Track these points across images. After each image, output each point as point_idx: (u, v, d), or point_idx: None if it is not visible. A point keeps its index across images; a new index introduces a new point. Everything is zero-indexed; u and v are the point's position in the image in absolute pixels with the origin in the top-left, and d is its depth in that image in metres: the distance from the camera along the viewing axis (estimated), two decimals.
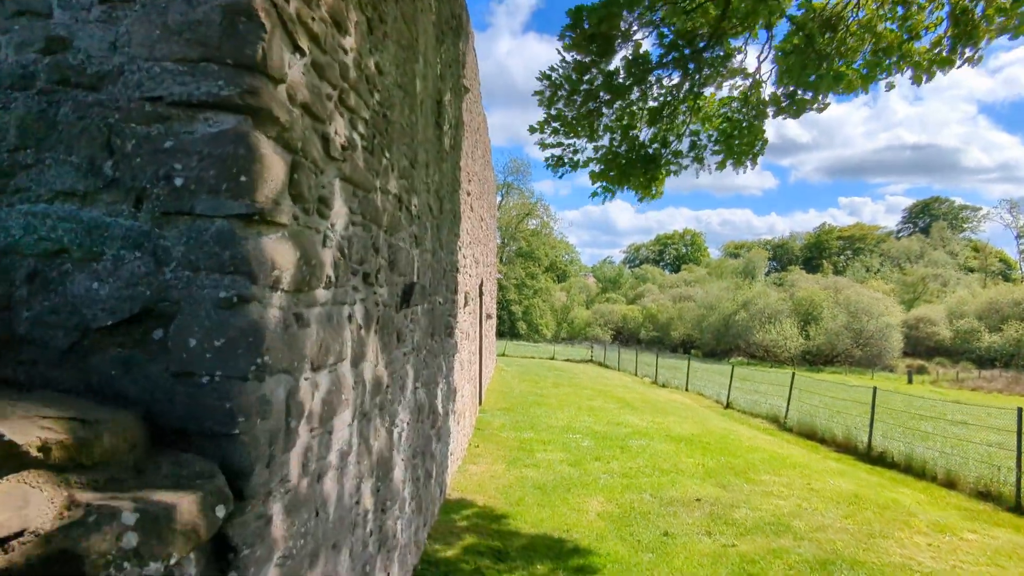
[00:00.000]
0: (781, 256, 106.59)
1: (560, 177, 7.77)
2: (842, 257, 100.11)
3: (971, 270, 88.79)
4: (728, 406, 17.72)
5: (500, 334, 63.73)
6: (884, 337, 63.32)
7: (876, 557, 5.94)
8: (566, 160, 7.41)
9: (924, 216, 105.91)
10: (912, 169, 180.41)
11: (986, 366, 60.52)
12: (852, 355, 63.08)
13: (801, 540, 6.33)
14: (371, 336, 3.25)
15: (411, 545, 4.74)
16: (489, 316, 17.17)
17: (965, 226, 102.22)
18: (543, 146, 7.33)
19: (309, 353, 2.29)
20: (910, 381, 48.89)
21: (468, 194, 9.74)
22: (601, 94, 7.04)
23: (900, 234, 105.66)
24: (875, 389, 12.64)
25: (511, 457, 9.43)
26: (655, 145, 7.46)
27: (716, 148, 7.15)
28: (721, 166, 7.27)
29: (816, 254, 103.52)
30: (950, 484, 9.73)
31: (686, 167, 7.55)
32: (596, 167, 7.50)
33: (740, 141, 6.84)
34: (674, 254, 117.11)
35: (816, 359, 62.86)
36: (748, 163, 7.16)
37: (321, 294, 2.45)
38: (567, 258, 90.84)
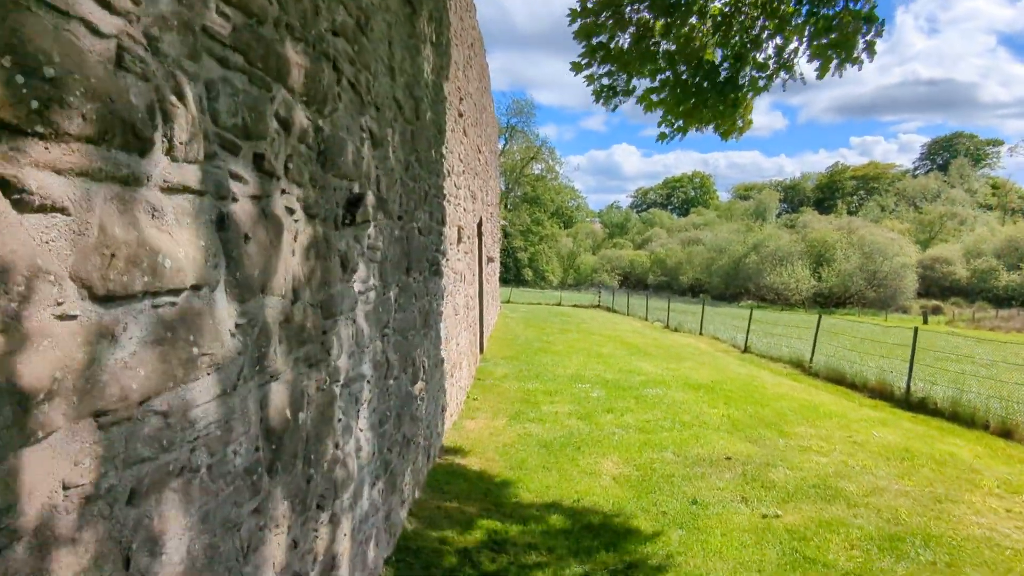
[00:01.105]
0: (792, 198, 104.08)
1: (613, 110, 6.18)
2: (855, 197, 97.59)
3: (990, 208, 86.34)
4: (746, 350, 16.70)
5: (505, 281, 62.79)
6: (899, 278, 61.97)
7: (951, 529, 4.94)
8: (619, 89, 5.76)
9: (943, 153, 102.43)
10: (927, 106, 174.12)
11: (1003, 306, 59.27)
12: (865, 296, 61.91)
13: (856, 507, 5.33)
14: (280, 255, 2.11)
15: (382, 533, 3.74)
16: (491, 259, 16.04)
17: (985, 162, 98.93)
18: (589, 80, 5.70)
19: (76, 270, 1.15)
20: (925, 322, 47.80)
21: (460, 115, 8.43)
22: (650, 14, 5.40)
23: (916, 172, 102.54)
24: (916, 330, 11.52)
25: (514, 411, 8.45)
26: (728, 63, 5.73)
27: (813, 46, 5.40)
28: (823, 71, 5.50)
29: (829, 195, 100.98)
30: (1005, 433, 8.71)
31: (774, 80, 5.85)
32: (659, 97, 5.81)
33: (842, 30, 5.10)
34: (682, 197, 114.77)
35: (828, 301, 61.69)
36: (864, 56, 5.29)
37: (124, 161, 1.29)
38: (573, 204, 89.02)
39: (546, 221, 72.58)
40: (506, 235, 68.91)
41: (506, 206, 71.37)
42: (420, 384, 5.15)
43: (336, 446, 2.74)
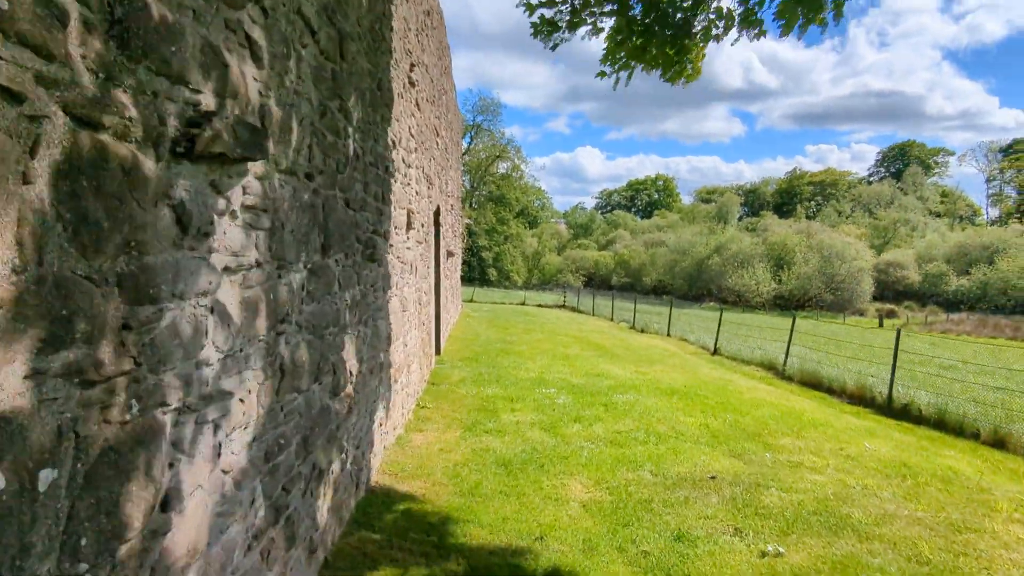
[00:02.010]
0: (752, 202, 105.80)
1: (553, 48, 5.39)
2: (813, 203, 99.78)
3: (939, 215, 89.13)
4: (716, 352, 16.05)
5: (469, 280, 61.76)
6: (856, 281, 63.24)
7: (983, 569, 4.14)
8: (560, 22, 4.99)
9: (896, 161, 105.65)
10: (877, 116, 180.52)
11: (953, 309, 61.01)
12: (823, 299, 62.96)
13: (869, 541, 4.50)
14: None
15: None
16: (451, 254, 15.00)
17: (935, 171, 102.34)
18: (529, 8, 4.89)
19: None
20: (881, 325, 48.60)
21: (412, 84, 7.40)
22: None
23: (871, 179, 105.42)
24: (899, 331, 10.93)
25: (469, 420, 7.45)
26: (685, 6, 5.04)
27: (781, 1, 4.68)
28: (787, 28, 4.84)
29: (787, 199, 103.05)
30: (998, 443, 8.11)
31: (730, 28, 5.15)
32: (606, 23, 5.16)
33: None
34: (646, 200, 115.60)
35: (788, 303, 62.52)
36: (830, 18, 4.73)
37: None
38: (538, 203, 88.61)
39: (511, 221, 71.90)
40: (471, 234, 67.76)
41: (471, 205, 70.29)
42: (347, 394, 4.11)
43: (150, 511, 1.69)
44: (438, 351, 12.24)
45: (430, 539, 4.16)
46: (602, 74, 5.34)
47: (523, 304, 32.90)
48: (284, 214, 2.80)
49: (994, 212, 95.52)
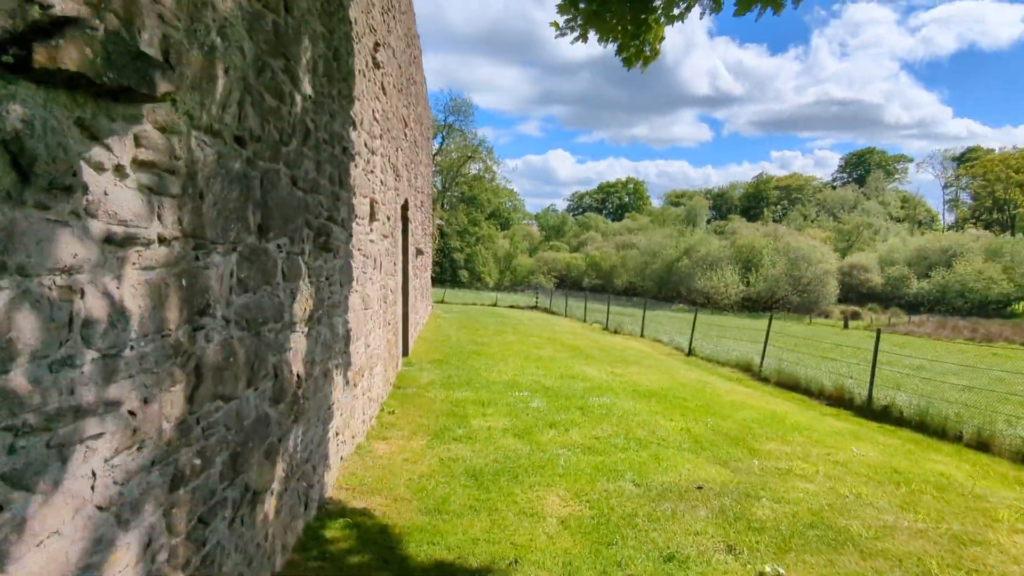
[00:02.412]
0: (721, 205, 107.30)
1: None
2: (779, 207, 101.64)
3: (899, 220, 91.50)
4: (691, 353, 15.80)
5: (441, 281, 60.99)
6: (821, 283, 64.39)
7: None
8: None
9: (858, 167, 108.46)
10: (839, 124, 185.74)
11: (914, 311, 62.62)
12: (790, 301, 63.94)
13: (873, 558, 4.12)
14: None
15: None
16: (420, 252, 14.43)
17: (896, 177, 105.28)
18: None
19: None
20: (846, 326, 49.44)
21: (377, 66, 6.87)
22: None
23: (835, 184, 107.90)
24: (879, 332, 10.75)
25: (437, 427, 6.92)
26: None
27: None
28: (744, 7, 4.60)
29: (754, 203, 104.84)
30: (982, 446, 7.91)
31: (692, 6, 4.87)
32: None
33: None
34: (617, 202, 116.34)
35: (756, 305, 63.35)
36: (788, 3, 4.53)
37: None
38: (510, 205, 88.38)
39: (483, 222, 71.49)
40: (442, 235, 67.06)
41: (443, 206, 69.59)
42: (294, 400, 3.57)
43: None
44: (406, 353, 11.68)
45: (389, 564, 3.64)
46: (555, 25, 4.91)
47: (495, 305, 32.42)
48: (204, 182, 2.27)
49: (950, 217, 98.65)
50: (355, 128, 5.47)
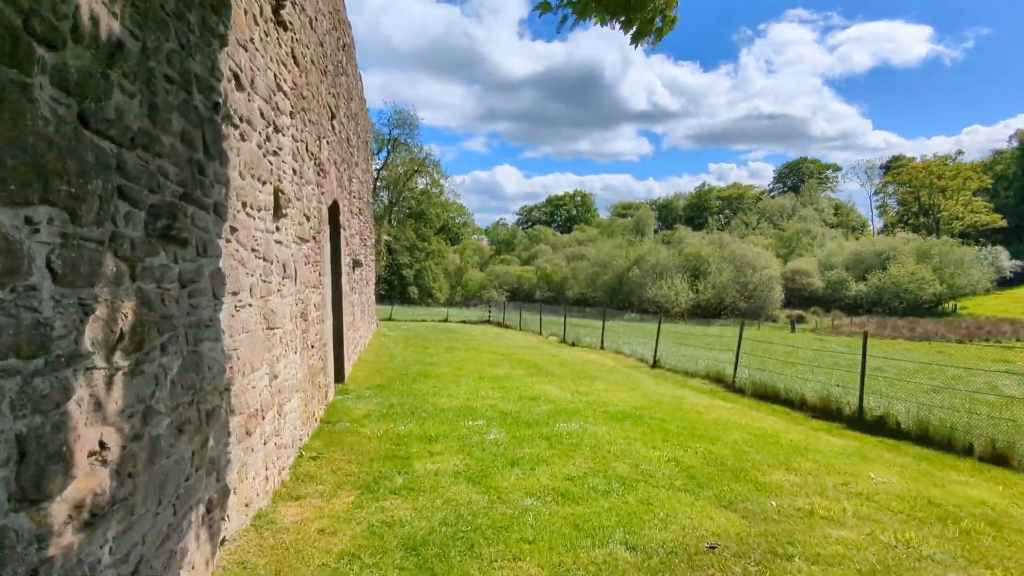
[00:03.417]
0: (666, 216, 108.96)
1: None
2: (722, 216, 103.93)
3: (833, 226, 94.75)
4: (656, 365, 14.74)
5: (390, 299, 58.91)
6: (767, 289, 65.51)
7: None
8: None
9: (792, 176, 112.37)
10: (769, 137, 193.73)
11: (854, 313, 64.44)
12: (738, 307, 64.70)
13: None
14: None
15: None
16: (359, 263, 12.90)
17: (827, 185, 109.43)
18: None
19: None
20: (793, 330, 50.07)
21: (283, 26, 5.46)
22: None
23: (772, 193, 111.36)
24: (865, 335, 9.85)
25: (371, 475, 5.47)
26: None
27: None
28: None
29: (698, 213, 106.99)
30: (998, 460, 7.00)
31: None
32: None
33: None
34: (565, 215, 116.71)
35: (705, 312, 63.78)
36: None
37: None
38: (460, 220, 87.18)
39: (432, 237, 69.92)
40: (390, 251, 65.06)
41: (390, 221, 67.65)
42: (78, 495, 2.11)
43: None
44: (340, 379, 10.12)
45: None
46: (544, 6, 3.76)
47: (445, 321, 30.88)
48: None
49: (879, 223, 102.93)
50: (239, 86, 4.04)
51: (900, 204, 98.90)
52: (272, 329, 5.00)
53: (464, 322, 30.29)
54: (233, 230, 3.88)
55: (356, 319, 13.18)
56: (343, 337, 10.18)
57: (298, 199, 6.27)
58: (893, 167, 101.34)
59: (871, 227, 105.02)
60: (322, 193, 8.01)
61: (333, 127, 9.44)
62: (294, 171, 6.06)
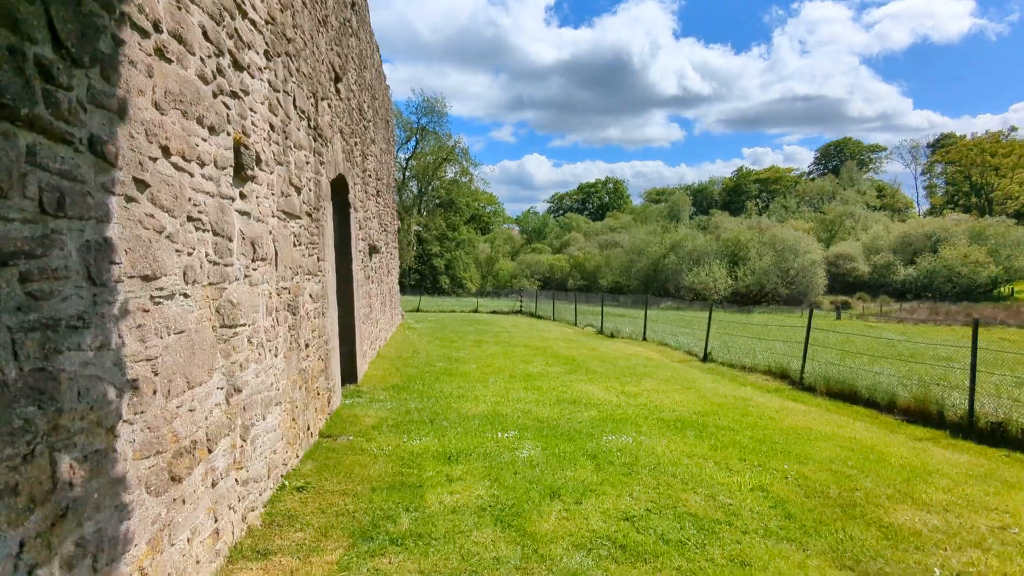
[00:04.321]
0: (701, 201, 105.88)
1: None
2: (758, 200, 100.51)
3: (876, 208, 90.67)
4: (707, 358, 13.22)
5: (422, 289, 58.06)
6: (809, 274, 62.70)
7: None
8: None
9: (833, 158, 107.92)
10: (804, 119, 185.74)
11: (902, 298, 61.31)
12: (779, 294, 62.11)
13: None
14: None
15: None
16: (375, 249, 11.71)
17: (870, 167, 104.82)
18: None
19: None
20: (838, 317, 47.52)
21: None
22: None
23: (811, 175, 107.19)
24: (976, 323, 8.20)
25: (370, 514, 4.22)
26: None
27: None
28: None
29: (734, 198, 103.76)
30: None
31: None
32: None
33: None
34: (597, 203, 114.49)
35: (745, 299, 61.29)
36: None
37: None
38: (490, 209, 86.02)
39: (462, 227, 68.96)
40: (420, 241, 64.25)
41: (419, 211, 66.83)
42: None
43: None
44: (353, 379, 8.94)
45: None
46: None
47: (475, 311, 29.70)
48: None
49: (926, 205, 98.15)
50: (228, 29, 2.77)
51: (949, 184, 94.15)
52: (231, 327, 3.76)
53: (495, 312, 29.06)
54: (141, 185, 2.63)
55: (374, 311, 12.01)
56: (355, 332, 8.98)
57: (280, 163, 5.02)
58: (941, 146, 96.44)
59: (916, 209, 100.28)
60: (321, 163, 6.77)
61: (338, 91, 8.20)
62: (272, 127, 4.81)
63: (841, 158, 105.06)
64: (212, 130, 3.51)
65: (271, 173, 4.74)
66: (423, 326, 19.20)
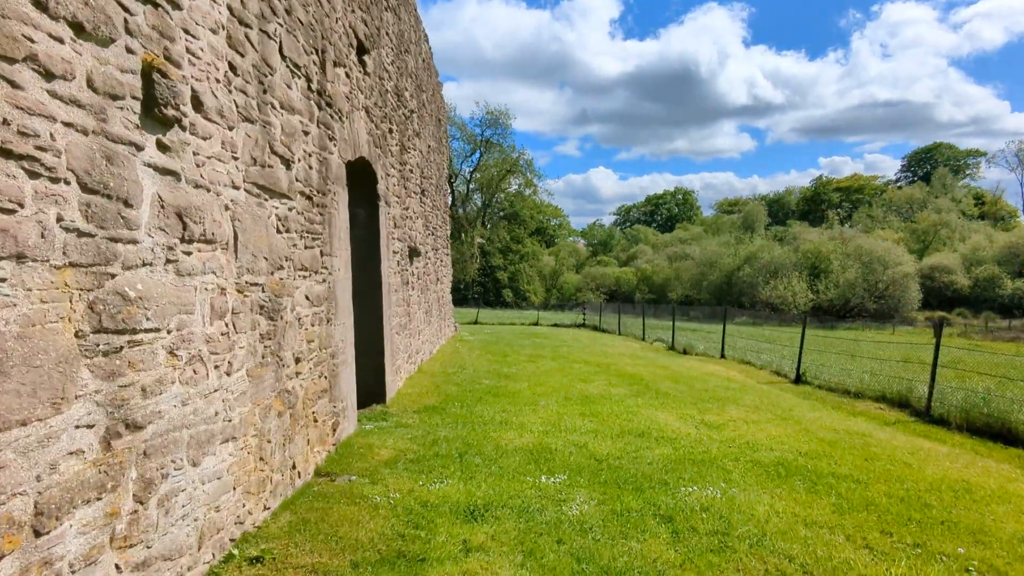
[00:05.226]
0: (776, 212, 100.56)
1: None
2: (839, 210, 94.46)
3: (973, 217, 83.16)
4: (800, 379, 11.25)
5: (485, 302, 57.22)
6: (901, 288, 57.66)
7: None
8: None
9: (924, 164, 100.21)
10: (887, 126, 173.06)
11: (1009, 315, 55.34)
12: (866, 309, 57.39)
13: None
14: None
15: None
16: (415, 252, 10.54)
17: (966, 173, 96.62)
18: None
19: None
20: (938, 335, 43.03)
21: None
22: None
23: (899, 183, 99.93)
24: None
25: None
26: None
27: None
28: None
29: (813, 207, 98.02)
30: None
31: None
32: None
33: None
34: (666, 214, 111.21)
35: (828, 314, 56.84)
36: None
37: None
38: (555, 222, 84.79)
39: (526, 239, 68.04)
40: (484, 254, 63.65)
41: (483, 224, 66.41)
42: None
43: None
44: (381, 398, 7.70)
45: None
46: None
47: (535, 324, 28.27)
48: None
49: None
50: None
51: None
52: (124, 333, 2.52)
53: (556, 326, 27.53)
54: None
55: (416, 321, 10.81)
56: (384, 343, 7.75)
57: (251, 120, 3.82)
58: None
59: (1021, 217, 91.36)
60: (330, 138, 5.58)
61: (363, 64, 7.05)
62: (235, 69, 3.61)
63: (932, 164, 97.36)
64: (79, 30, 2.29)
65: (229, 129, 3.53)
66: (477, 338, 17.96)
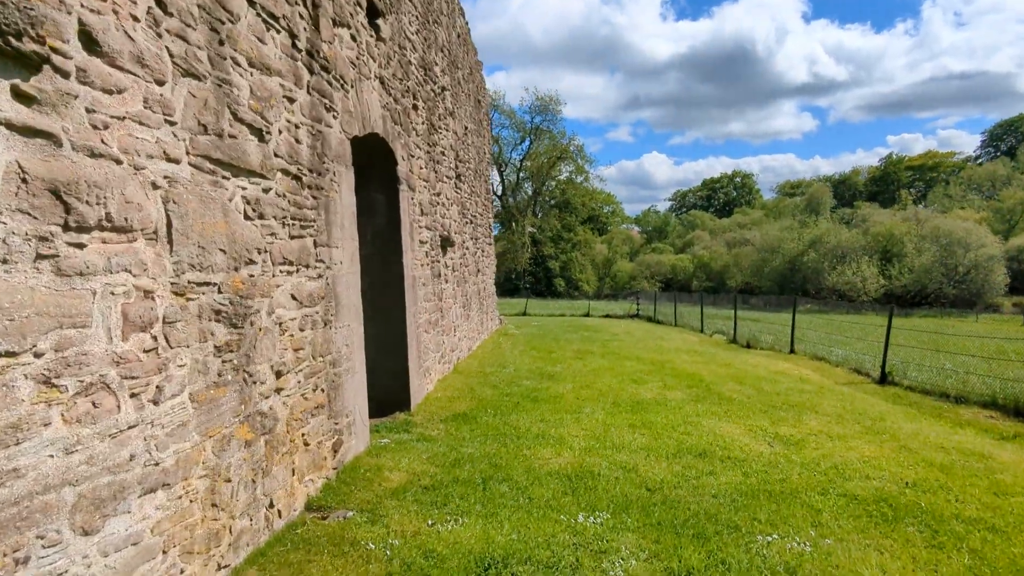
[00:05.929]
0: (843, 193, 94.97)
1: None
2: (913, 190, 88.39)
3: None
4: (886, 379, 9.83)
5: (537, 292, 56.28)
6: (985, 271, 53.30)
7: None
8: None
9: (1008, 137, 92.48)
10: (962, 100, 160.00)
11: None
12: (945, 295, 53.32)
13: None
14: None
15: None
16: (448, 242, 9.70)
17: None
18: None
19: None
20: None
21: None
22: None
23: (979, 160, 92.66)
24: None
25: None
26: None
27: None
28: None
29: (883, 188, 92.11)
30: None
31: None
32: None
33: None
34: (723, 199, 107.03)
35: (901, 301, 53.08)
36: None
37: None
38: (608, 209, 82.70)
39: (578, 227, 66.63)
40: (535, 243, 62.62)
41: (535, 212, 65.38)
42: None
43: None
44: (404, 406, 6.90)
45: None
46: None
47: (586, 315, 27.13)
48: None
49: None
50: None
51: None
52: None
53: (608, 316, 26.31)
54: None
55: (450, 316, 9.98)
56: (408, 344, 6.94)
57: (195, 76, 3.00)
58: None
59: None
60: (328, 108, 4.75)
61: (376, 28, 6.19)
62: (163, 6, 2.79)
63: (1016, 138, 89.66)
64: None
65: (158, 84, 2.71)
66: (522, 332, 17.05)
